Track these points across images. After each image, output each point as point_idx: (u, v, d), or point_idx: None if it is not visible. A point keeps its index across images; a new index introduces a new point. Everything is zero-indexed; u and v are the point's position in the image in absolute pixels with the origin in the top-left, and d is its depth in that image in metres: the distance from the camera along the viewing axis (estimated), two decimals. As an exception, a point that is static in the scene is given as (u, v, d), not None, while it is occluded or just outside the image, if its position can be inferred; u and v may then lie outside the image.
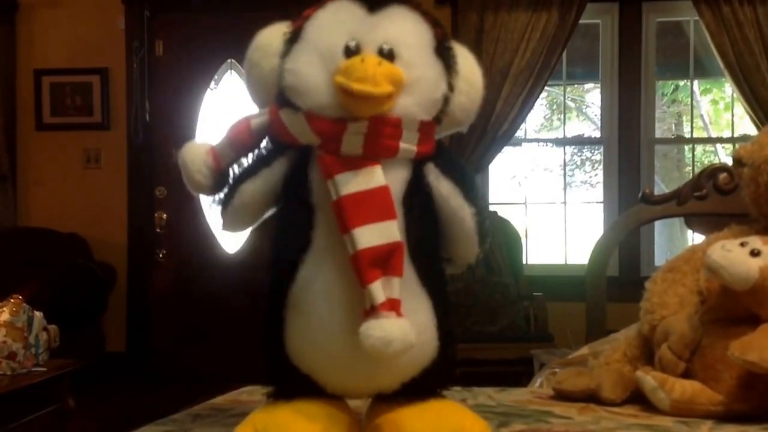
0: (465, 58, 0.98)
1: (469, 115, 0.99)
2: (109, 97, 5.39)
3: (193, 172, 0.97)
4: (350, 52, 0.90)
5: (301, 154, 0.94)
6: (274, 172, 0.96)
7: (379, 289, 0.87)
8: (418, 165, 0.95)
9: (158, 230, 5.31)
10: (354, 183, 0.89)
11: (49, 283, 4.51)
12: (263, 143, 0.97)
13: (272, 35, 0.97)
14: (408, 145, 0.92)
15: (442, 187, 0.96)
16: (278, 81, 0.94)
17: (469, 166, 5.06)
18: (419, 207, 0.95)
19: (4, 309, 2.88)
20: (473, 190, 0.98)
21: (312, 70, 0.91)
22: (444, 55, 0.95)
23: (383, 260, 0.87)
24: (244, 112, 1.01)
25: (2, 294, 3.01)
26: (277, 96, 0.95)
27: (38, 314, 3.04)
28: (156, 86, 5.39)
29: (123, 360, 5.22)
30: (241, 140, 0.96)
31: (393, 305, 0.87)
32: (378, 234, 0.88)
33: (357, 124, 0.89)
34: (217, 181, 0.98)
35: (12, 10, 5.34)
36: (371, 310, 0.87)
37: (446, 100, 0.96)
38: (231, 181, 0.97)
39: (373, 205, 0.89)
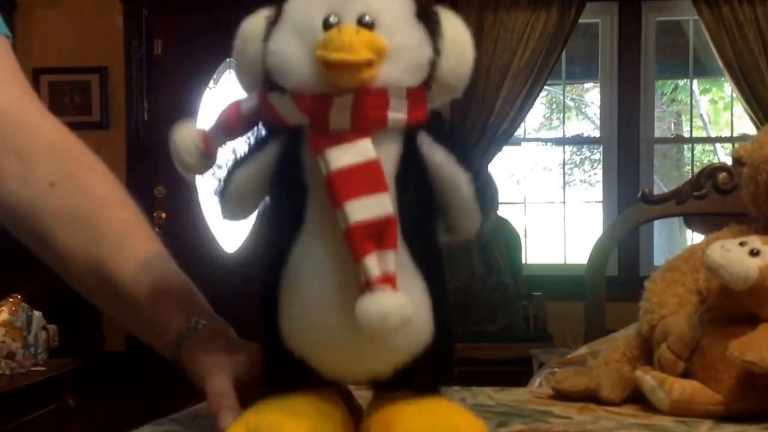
0: (450, 21, 0.97)
1: (460, 78, 0.97)
2: (108, 96, 5.39)
3: (183, 152, 0.98)
4: (329, 26, 0.90)
5: (292, 136, 0.94)
6: (267, 156, 0.95)
7: (374, 263, 0.86)
8: (411, 137, 0.94)
9: (157, 229, 5.29)
10: (343, 157, 0.88)
11: (48, 283, 4.51)
12: (256, 128, 0.98)
13: (255, 21, 0.98)
14: (397, 114, 0.92)
15: (435, 155, 0.94)
16: (263, 64, 0.94)
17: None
18: (414, 185, 0.94)
19: (3, 308, 2.89)
20: (468, 156, 0.96)
21: (292, 48, 0.91)
22: (426, 19, 0.95)
23: (377, 234, 0.87)
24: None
25: (1, 293, 3.01)
26: (264, 79, 0.95)
27: (37, 313, 3.04)
28: (155, 85, 5.39)
29: (122, 359, 5.21)
30: (231, 124, 0.97)
31: (388, 279, 0.87)
32: (370, 207, 0.87)
33: (342, 98, 0.89)
34: (206, 163, 0.99)
35: (10, 9, 5.34)
36: (366, 285, 0.86)
37: (434, 65, 0.94)
38: (228, 169, 0.97)
39: (364, 178, 0.88)
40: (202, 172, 0.98)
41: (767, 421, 1.13)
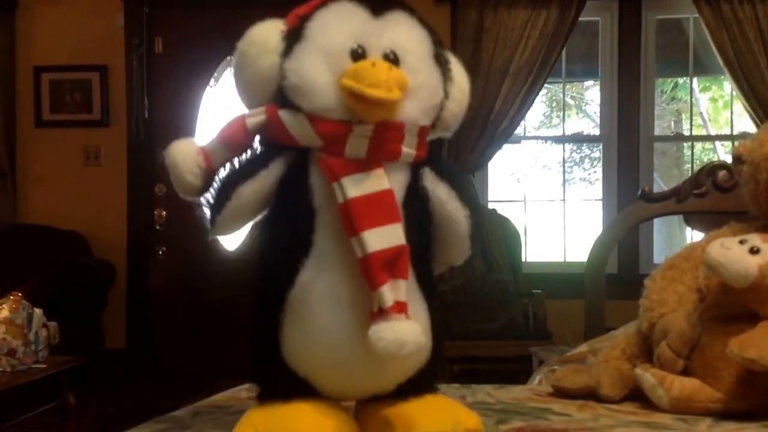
0: (456, 66, 1.00)
1: (458, 121, 1.01)
2: (109, 94, 5.39)
3: (185, 172, 0.95)
4: (357, 55, 0.90)
5: (298, 156, 0.94)
6: (272, 174, 0.94)
7: (387, 292, 0.87)
8: (414, 169, 0.96)
9: (158, 227, 5.31)
10: (361, 186, 0.89)
11: (49, 280, 4.52)
12: (256, 143, 0.96)
13: (269, 31, 0.95)
14: (409, 150, 0.93)
15: (439, 191, 0.97)
16: (278, 80, 0.92)
17: (467, 165, 5.07)
18: (417, 212, 0.95)
19: (4, 306, 2.88)
20: (467, 193, 0.99)
21: (317, 71, 0.90)
22: (441, 62, 0.96)
23: (390, 263, 0.88)
24: (241, 110, 0.98)
25: (2, 291, 3.01)
26: (276, 95, 0.93)
27: (38, 311, 3.04)
28: (155, 83, 5.39)
29: (123, 357, 5.22)
30: (236, 140, 0.94)
31: (401, 308, 0.88)
32: (386, 237, 0.88)
33: (362, 127, 0.89)
34: (207, 182, 0.96)
35: (11, 7, 5.34)
36: (379, 313, 0.87)
37: (441, 107, 0.96)
38: (224, 182, 0.95)
39: (380, 208, 0.89)
40: (202, 193, 0.95)
41: (766, 419, 1.13)
